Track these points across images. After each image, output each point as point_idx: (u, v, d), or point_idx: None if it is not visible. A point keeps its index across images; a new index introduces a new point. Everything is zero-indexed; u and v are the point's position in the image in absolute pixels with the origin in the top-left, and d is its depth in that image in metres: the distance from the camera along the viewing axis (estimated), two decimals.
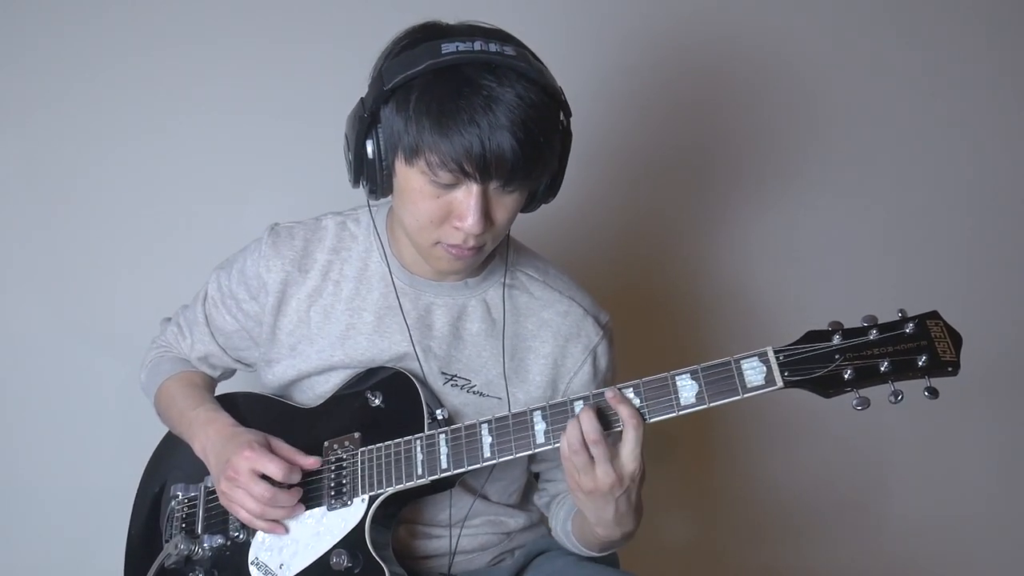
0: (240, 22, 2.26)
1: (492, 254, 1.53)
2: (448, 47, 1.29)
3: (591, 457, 1.30)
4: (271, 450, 1.45)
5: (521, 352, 1.54)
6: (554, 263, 1.63)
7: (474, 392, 1.52)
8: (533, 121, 1.29)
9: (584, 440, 1.30)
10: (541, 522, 1.68)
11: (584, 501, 1.37)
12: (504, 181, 1.32)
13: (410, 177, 1.34)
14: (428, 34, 1.35)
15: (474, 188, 1.32)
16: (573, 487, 1.35)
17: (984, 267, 2.70)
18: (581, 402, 1.33)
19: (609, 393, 1.32)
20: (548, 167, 1.39)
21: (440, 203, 1.34)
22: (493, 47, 1.31)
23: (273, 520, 1.45)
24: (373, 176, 1.39)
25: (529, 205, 1.45)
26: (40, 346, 2.19)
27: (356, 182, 1.43)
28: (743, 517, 2.58)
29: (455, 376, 1.52)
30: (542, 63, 1.37)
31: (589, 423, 1.29)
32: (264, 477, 1.42)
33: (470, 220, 1.33)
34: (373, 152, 1.37)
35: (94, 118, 2.20)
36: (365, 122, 1.36)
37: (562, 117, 1.38)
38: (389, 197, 1.45)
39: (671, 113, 2.47)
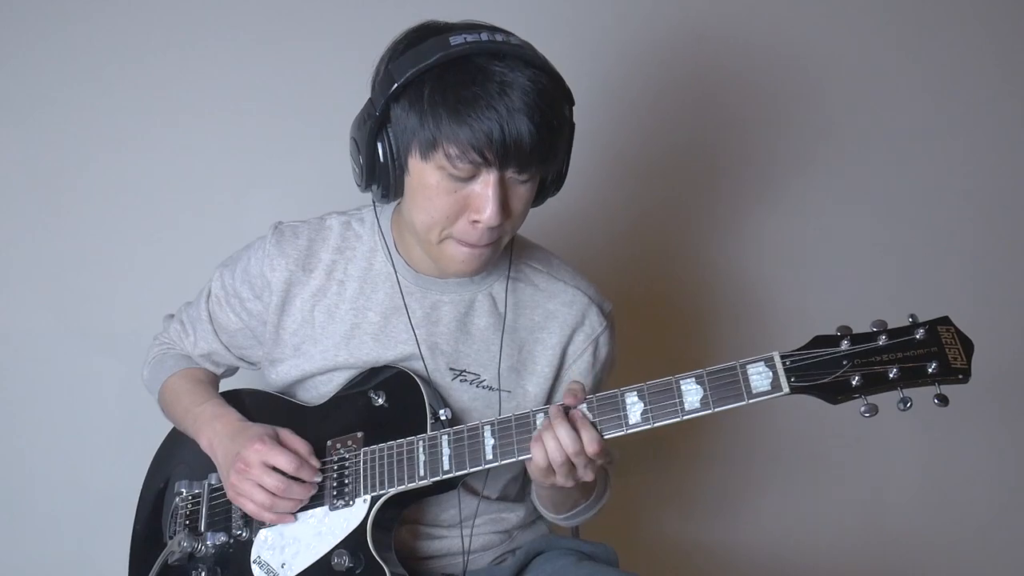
0: (242, 21, 2.26)
1: None
2: (456, 39, 1.30)
3: (573, 464, 1.32)
4: (280, 442, 1.45)
5: (529, 344, 1.55)
6: (557, 254, 1.63)
7: (484, 387, 1.52)
8: (547, 104, 1.31)
9: (566, 453, 1.31)
10: (540, 517, 1.68)
11: (557, 492, 1.44)
12: (522, 166, 1.32)
13: (426, 173, 1.34)
14: (430, 31, 1.35)
15: (492, 178, 1.32)
16: (551, 483, 1.37)
17: (997, 272, 2.70)
18: (584, 405, 1.34)
19: (575, 415, 1.33)
20: (559, 153, 1.40)
21: (456, 198, 1.34)
22: (499, 36, 1.32)
23: (281, 512, 1.45)
24: (386, 179, 1.39)
25: (536, 198, 1.45)
26: (40, 346, 2.18)
27: (367, 186, 1.42)
28: (743, 518, 2.58)
29: (464, 371, 1.52)
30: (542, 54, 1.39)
31: (568, 437, 1.30)
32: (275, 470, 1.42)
33: (489, 210, 1.33)
34: (385, 154, 1.37)
35: (95, 116, 2.19)
36: (377, 122, 1.35)
37: (565, 104, 1.39)
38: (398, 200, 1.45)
39: (679, 114, 2.47)
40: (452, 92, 1.28)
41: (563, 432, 1.30)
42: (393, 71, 1.32)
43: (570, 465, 1.32)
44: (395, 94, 1.32)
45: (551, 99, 1.32)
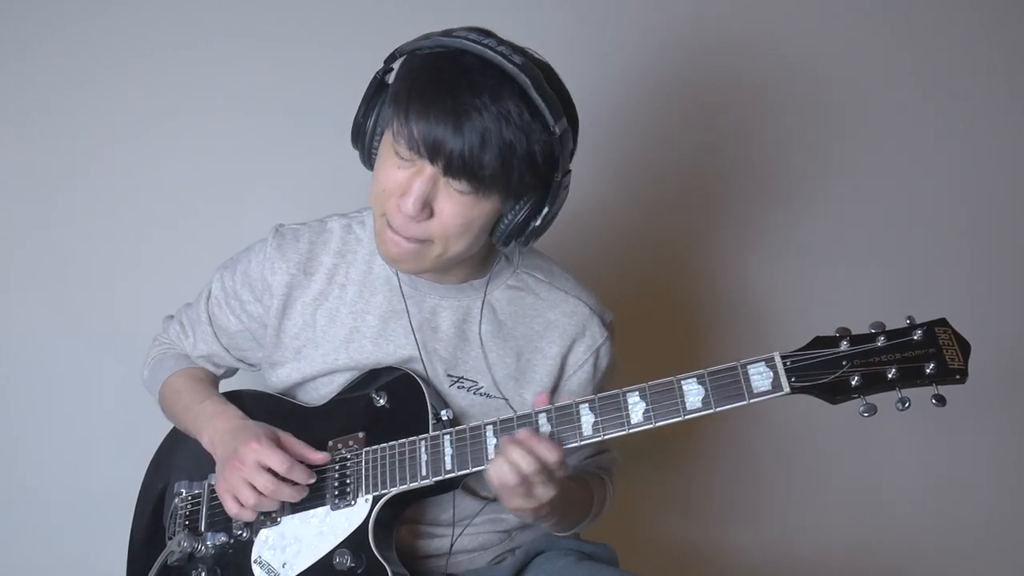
0: (244, 21, 2.26)
1: (497, 257, 1.53)
2: (460, 32, 1.32)
3: (530, 483, 1.31)
4: (279, 443, 1.45)
5: (528, 353, 1.55)
6: (559, 262, 1.63)
7: (481, 394, 1.52)
8: (503, 129, 1.28)
9: (520, 472, 1.30)
10: None
11: (527, 517, 1.41)
12: (450, 172, 1.30)
13: (385, 145, 1.37)
14: (465, 31, 1.35)
15: (426, 170, 1.32)
16: (516, 512, 1.37)
17: (994, 274, 2.71)
18: (586, 405, 1.33)
19: (522, 433, 1.32)
20: (511, 185, 1.34)
21: (397, 176, 1.34)
22: (503, 49, 1.31)
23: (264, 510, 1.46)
24: (362, 144, 1.42)
25: (502, 235, 1.41)
26: (40, 346, 2.18)
27: (353, 144, 1.44)
28: (743, 518, 2.59)
29: (461, 378, 1.52)
30: (563, 94, 1.36)
31: (520, 456, 1.30)
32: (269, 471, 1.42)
33: (409, 200, 1.32)
34: (370, 121, 1.39)
35: (95, 117, 2.20)
36: (374, 83, 1.39)
37: (546, 141, 1.33)
38: None
39: (681, 117, 2.48)
40: (422, 74, 1.30)
41: (515, 454, 1.30)
42: (403, 45, 1.36)
43: (527, 484, 1.31)
44: (391, 58, 1.36)
45: (515, 128, 1.29)
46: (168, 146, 2.23)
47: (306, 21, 2.29)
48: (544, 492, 1.33)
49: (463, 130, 1.27)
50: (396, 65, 1.38)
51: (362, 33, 2.25)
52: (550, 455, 1.30)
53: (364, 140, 1.41)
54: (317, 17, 2.29)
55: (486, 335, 1.53)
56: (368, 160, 1.43)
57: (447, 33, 1.34)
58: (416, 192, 1.32)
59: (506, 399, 1.52)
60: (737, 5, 2.55)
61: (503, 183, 1.33)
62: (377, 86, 1.38)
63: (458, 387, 1.52)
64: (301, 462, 1.45)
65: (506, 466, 1.30)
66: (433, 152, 1.29)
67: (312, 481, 1.45)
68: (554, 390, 1.57)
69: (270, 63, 2.26)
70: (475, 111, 1.27)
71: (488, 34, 1.35)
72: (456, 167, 1.30)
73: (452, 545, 1.55)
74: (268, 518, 1.48)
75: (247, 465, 1.41)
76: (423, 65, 1.32)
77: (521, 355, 1.54)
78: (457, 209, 1.35)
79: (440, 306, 1.52)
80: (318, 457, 1.46)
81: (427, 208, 1.34)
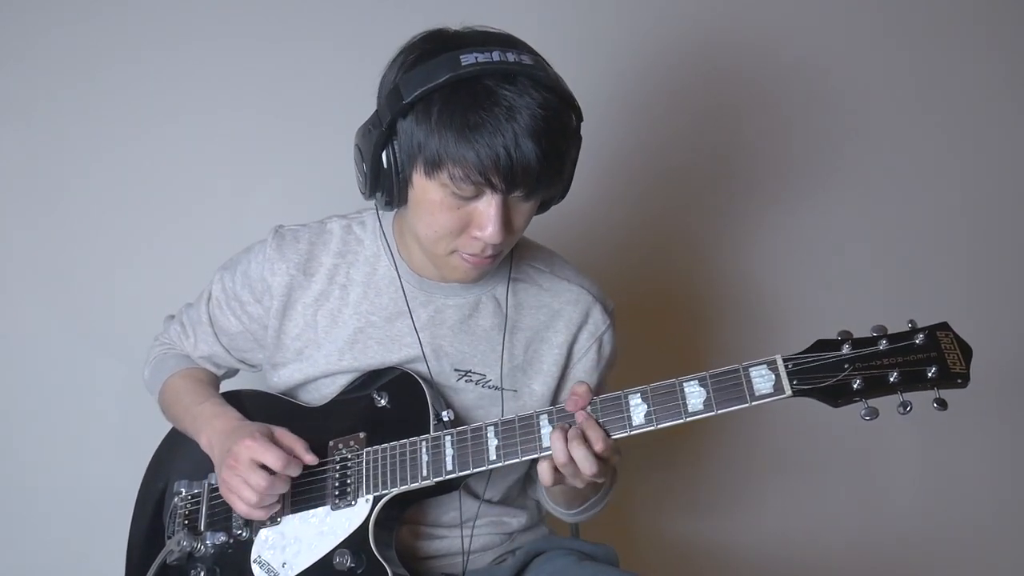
0: (245, 21, 2.25)
1: None
2: (467, 58, 1.29)
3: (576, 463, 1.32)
4: (274, 440, 1.45)
5: (536, 344, 1.56)
6: (559, 253, 1.64)
7: (489, 387, 1.53)
8: (555, 129, 1.31)
9: (571, 455, 1.31)
10: (541, 521, 1.70)
11: (571, 490, 1.43)
12: (528, 190, 1.33)
13: (429, 189, 1.34)
14: (441, 44, 1.34)
15: (495, 199, 1.32)
16: (558, 483, 1.38)
17: (995, 277, 2.71)
18: (588, 407, 1.34)
19: (580, 416, 1.34)
20: (566, 173, 1.40)
21: (460, 214, 1.35)
22: (511, 56, 1.31)
23: (267, 507, 1.45)
24: (390, 188, 1.39)
25: (541, 207, 1.46)
26: (40, 346, 2.17)
27: (371, 194, 1.43)
28: (743, 518, 2.59)
29: (469, 372, 1.53)
30: (553, 69, 1.38)
31: (557, 446, 1.32)
32: (265, 468, 1.42)
33: (490, 230, 1.33)
34: (389, 164, 1.37)
35: (95, 116, 2.19)
36: (383, 135, 1.35)
37: (575, 122, 1.39)
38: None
39: (683, 118, 2.48)
40: (460, 114, 1.27)
41: (571, 435, 1.31)
42: (402, 87, 1.31)
43: (574, 466, 1.32)
44: (403, 110, 1.32)
45: (560, 123, 1.32)
46: (168, 146, 2.22)
47: (307, 21, 2.29)
48: (591, 466, 1.31)
49: (533, 153, 1.28)
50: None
51: (362, 33, 2.25)
52: (596, 444, 1.31)
53: (393, 187, 1.38)
54: (318, 17, 2.29)
55: (492, 328, 1.54)
56: (396, 201, 1.41)
57: (451, 65, 1.29)
58: (498, 221, 1.33)
59: (515, 391, 1.53)
60: (739, 5, 2.54)
61: (557, 177, 1.37)
62: (385, 135, 1.35)
63: (466, 380, 1.53)
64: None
65: (558, 444, 1.32)
66: (510, 184, 1.30)
67: (314, 461, 1.45)
68: (561, 378, 1.58)
69: (270, 63, 2.26)
70: (531, 129, 1.28)
71: (455, 38, 1.35)
72: (534, 188, 1.33)
73: (465, 547, 1.56)
74: (269, 517, 1.48)
75: (241, 463, 1.41)
76: (452, 104, 1.28)
77: (528, 346, 1.55)
78: (525, 215, 1.40)
79: (445, 304, 1.53)
80: (308, 458, 1.45)
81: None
